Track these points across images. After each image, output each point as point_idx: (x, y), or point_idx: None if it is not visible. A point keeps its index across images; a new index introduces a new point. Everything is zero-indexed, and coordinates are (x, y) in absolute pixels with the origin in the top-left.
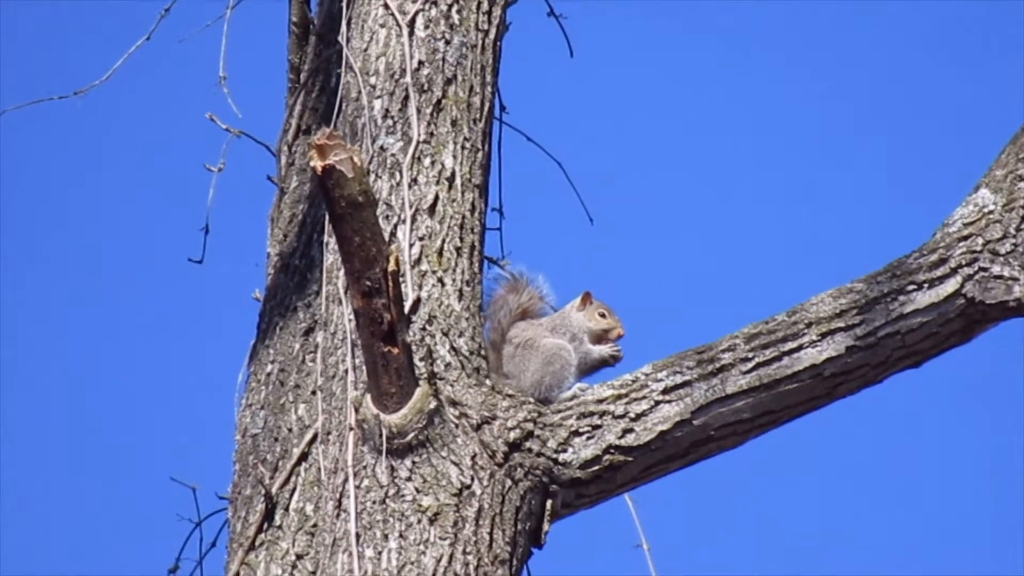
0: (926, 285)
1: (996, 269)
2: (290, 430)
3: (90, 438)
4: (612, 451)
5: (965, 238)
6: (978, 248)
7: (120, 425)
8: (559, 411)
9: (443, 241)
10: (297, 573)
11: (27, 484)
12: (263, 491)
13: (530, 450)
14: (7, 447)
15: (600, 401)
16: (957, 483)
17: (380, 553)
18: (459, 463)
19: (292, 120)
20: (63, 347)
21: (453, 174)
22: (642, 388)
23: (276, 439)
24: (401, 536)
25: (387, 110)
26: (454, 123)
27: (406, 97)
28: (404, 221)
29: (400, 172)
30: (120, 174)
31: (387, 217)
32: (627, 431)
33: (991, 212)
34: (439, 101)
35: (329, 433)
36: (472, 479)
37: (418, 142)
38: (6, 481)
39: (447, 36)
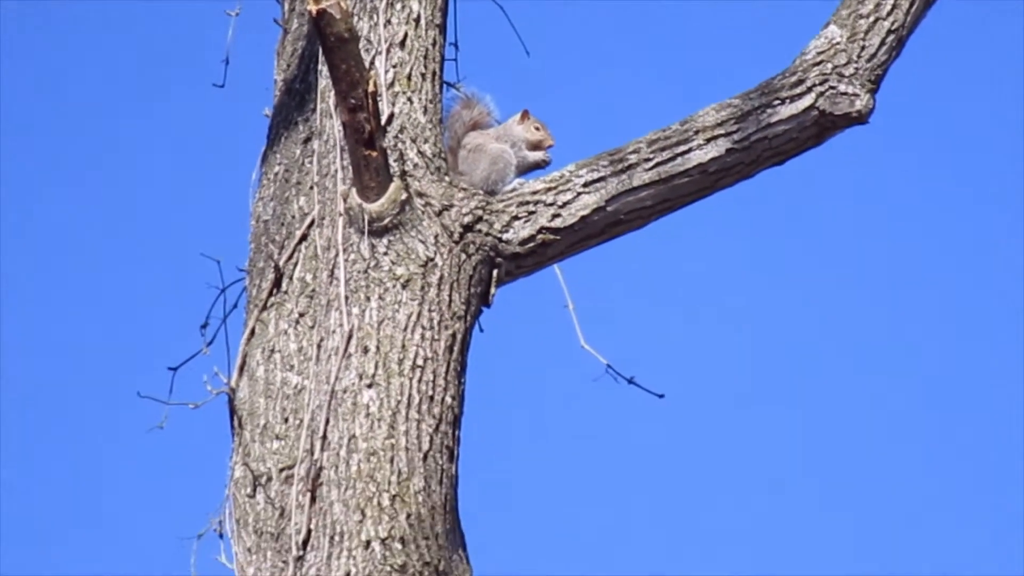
0: (788, 100)
1: (842, 88)
2: (293, 217)
3: (132, 225)
4: (544, 231)
5: (818, 63)
6: (828, 71)
7: (160, 213)
8: (502, 201)
9: (411, 69)
10: (300, 327)
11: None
12: (273, 264)
13: (480, 231)
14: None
15: (534, 192)
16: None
17: (363, 311)
18: (425, 241)
19: None
20: (110, 147)
21: (419, 16)
22: (567, 182)
23: (282, 224)
24: (380, 298)
25: None
26: None
27: None
28: (380, 53)
29: (377, 14)
30: (148, 19)
31: (367, 50)
32: (556, 215)
33: (838, 43)
34: None
35: (323, 218)
36: (435, 253)
37: None
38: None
39: None
